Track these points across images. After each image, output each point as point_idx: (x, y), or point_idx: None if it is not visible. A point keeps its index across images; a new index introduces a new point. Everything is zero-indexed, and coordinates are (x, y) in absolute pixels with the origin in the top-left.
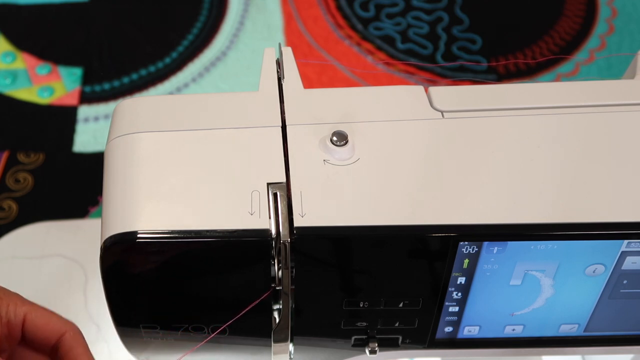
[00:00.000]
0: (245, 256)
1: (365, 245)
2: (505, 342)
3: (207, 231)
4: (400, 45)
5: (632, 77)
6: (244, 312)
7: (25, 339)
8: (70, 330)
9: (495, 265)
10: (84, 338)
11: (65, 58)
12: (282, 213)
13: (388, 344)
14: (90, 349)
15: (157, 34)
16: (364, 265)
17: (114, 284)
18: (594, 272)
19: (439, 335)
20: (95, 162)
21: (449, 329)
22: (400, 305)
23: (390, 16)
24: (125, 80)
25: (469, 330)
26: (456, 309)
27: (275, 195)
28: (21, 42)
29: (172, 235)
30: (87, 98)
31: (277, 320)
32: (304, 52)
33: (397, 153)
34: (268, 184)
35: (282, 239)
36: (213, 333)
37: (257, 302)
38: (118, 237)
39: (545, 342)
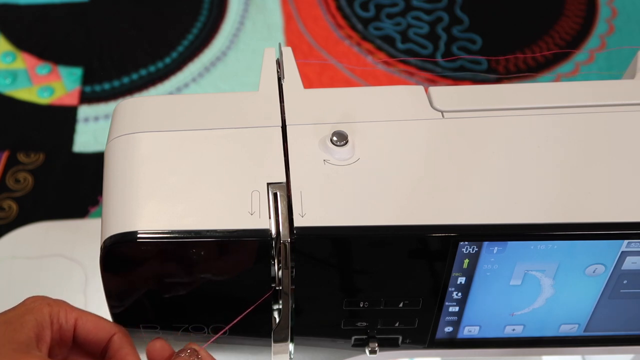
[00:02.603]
0: (245, 256)
1: (365, 245)
2: (505, 342)
3: (207, 231)
4: (400, 45)
5: (632, 77)
6: (244, 314)
7: (77, 343)
8: (119, 332)
9: (495, 265)
10: (131, 339)
11: (65, 58)
12: (282, 213)
13: (388, 344)
14: None
15: (157, 34)
16: (363, 265)
17: (114, 284)
18: (594, 272)
19: (439, 335)
20: (95, 162)
21: (449, 329)
22: (400, 305)
23: (390, 16)
24: (125, 80)
25: (469, 330)
26: (456, 309)
27: (275, 195)
28: (21, 42)
29: (172, 235)
30: (87, 98)
31: (277, 320)
32: (304, 52)
33: (397, 153)
34: (268, 184)
35: (282, 239)
36: (213, 333)
37: (258, 303)
38: (118, 237)
39: (545, 342)
